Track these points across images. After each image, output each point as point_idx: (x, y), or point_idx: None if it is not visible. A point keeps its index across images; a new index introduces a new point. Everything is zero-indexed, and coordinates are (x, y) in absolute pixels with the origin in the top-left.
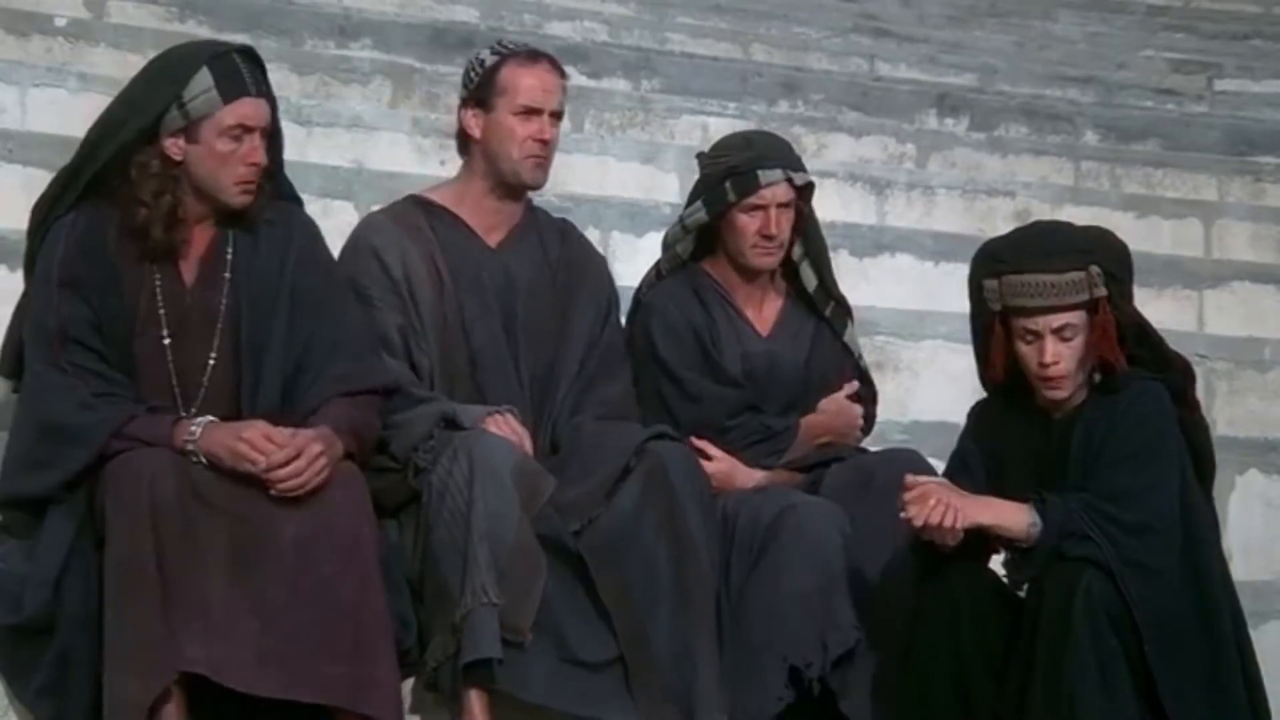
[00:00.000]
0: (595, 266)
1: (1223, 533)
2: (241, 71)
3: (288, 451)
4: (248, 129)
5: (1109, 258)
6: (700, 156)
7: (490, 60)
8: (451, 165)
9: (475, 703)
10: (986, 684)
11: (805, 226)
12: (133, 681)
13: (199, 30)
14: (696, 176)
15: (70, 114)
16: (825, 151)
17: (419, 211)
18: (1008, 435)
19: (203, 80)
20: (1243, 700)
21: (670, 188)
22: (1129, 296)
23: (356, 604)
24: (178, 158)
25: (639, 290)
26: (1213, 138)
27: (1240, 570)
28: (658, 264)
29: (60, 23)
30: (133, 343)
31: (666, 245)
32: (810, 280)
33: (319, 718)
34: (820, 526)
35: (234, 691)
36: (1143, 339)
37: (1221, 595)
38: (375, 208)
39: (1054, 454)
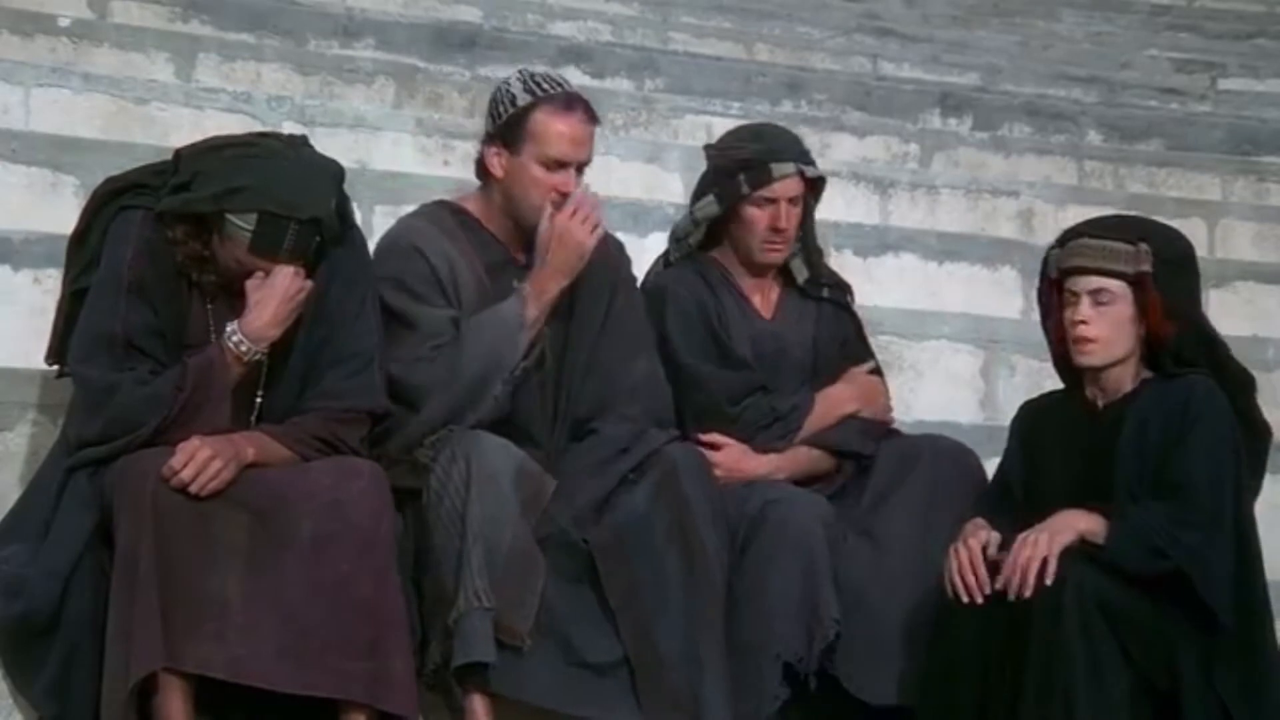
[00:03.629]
0: (604, 251)
1: None
2: (284, 237)
3: (181, 457)
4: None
5: (1165, 246)
6: (708, 148)
7: (522, 100)
8: (454, 165)
9: (477, 705)
10: (987, 682)
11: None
12: (119, 670)
13: (202, 30)
14: (703, 169)
15: (74, 114)
16: (829, 151)
17: (452, 217)
18: (1050, 432)
19: (247, 221)
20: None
21: (674, 188)
22: (1185, 293)
23: (373, 600)
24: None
25: (646, 279)
26: (1216, 137)
27: None
28: (666, 254)
29: (64, 23)
30: (184, 353)
31: (677, 238)
32: (801, 273)
33: (324, 718)
34: (803, 519)
35: (243, 689)
36: (1206, 348)
37: (1265, 596)
38: (379, 208)
39: (1100, 446)
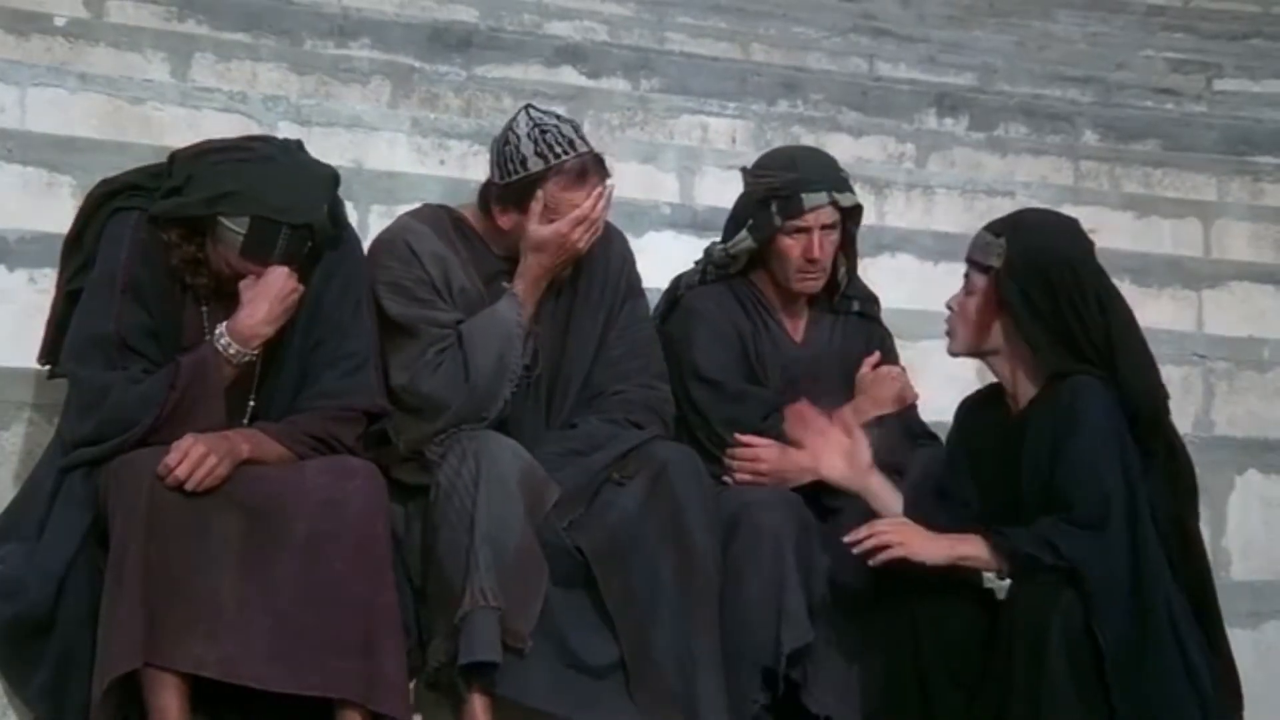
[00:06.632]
0: (604, 258)
1: (1222, 533)
2: (275, 242)
3: (175, 454)
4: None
5: (1021, 247)
6: (745, 172)
7: (534, 165)
8: (449, 165)
9: (477, 704)
10: (954, 700)
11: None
12: (103, 665)
13: (198, 30)
14: (741, 190)
15: (70, 113)
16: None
17: (452, 224)
18: (980, 433)
19: (240, 225)
20: (1185, 699)
21: (669, 188)
22: (1039, 298)
23: (368, 600)
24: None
25: (677, 287)
26: (1212, 137)
27: (1240, 570)
28: (704, 268)
29: (60, 22)
30: (179, 355)
31: (715, 263)
32: (854, 305)
33: (319, 718)
34: (774, 523)
35: (238, 687)
36: (1104, 356)
37: (1160, 600)
38: (375, 207)
39: (1012, 454)
